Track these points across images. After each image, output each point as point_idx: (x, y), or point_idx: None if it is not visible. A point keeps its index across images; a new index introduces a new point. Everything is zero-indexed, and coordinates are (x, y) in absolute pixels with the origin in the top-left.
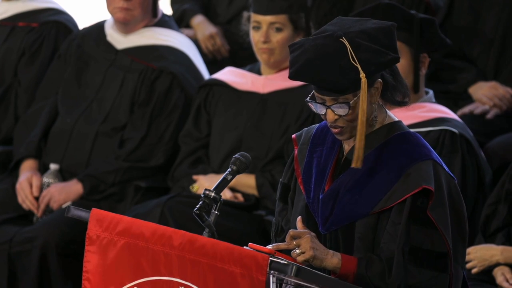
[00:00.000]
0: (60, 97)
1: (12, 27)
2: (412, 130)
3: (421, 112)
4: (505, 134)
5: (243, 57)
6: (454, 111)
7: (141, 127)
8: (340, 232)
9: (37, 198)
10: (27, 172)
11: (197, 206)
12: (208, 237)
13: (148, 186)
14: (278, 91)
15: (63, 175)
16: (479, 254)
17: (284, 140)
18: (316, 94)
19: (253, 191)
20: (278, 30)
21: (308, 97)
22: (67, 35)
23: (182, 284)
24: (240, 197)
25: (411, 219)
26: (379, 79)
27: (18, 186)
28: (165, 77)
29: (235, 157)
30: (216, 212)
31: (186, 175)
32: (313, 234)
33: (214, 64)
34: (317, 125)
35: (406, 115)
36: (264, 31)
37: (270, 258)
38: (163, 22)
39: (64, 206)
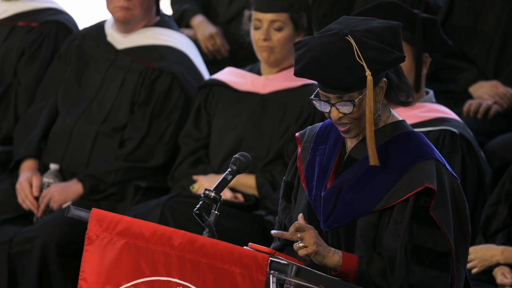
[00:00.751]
0: (60, 97)
1: (12, 26)
2: None
3: (421, 112)
4: (505, 134)
5: (243, 57)
6: (454, 111)
7: (141, 127)
8: (342, 229)
9: (37, 198)
10: (27, 172)
11: (197, 206)
12: (208, 237)
13: (148, 186)
14: (278, 91)
15: (63, 175)
16: (479, 254)
17: (284, 140)
18: (320, 92)
19: (253, 191)
20: (279, 28)
21: (313, 95)
22: (67, 35)
23: (180, 285)
24: (240, 197)
25: (413, 218)
26: (384, 79)
27: (18, 186)
28: (165, 77)
29: (235, 157)
30: (216, 212)
31: (186, 175)
32: (314, 229)
33: (214, 64)
34: (321, 123)
35: (407, 115)
36: (264, 29)
37: (270, 258)
38: (163, 22)
39: (64, 206)
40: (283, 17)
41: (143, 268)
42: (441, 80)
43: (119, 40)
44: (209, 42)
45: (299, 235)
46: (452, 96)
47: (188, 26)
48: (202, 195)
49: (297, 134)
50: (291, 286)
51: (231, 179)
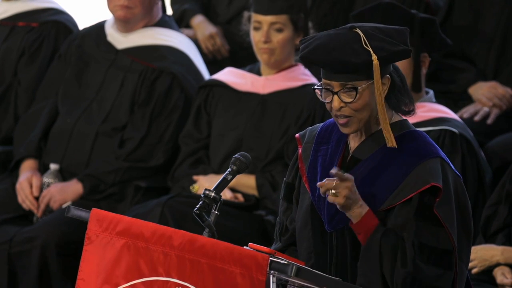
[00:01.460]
0: (60, 97)
1: (12, 27)
2: None
3: (421, 112)
4: (505, 134)
5: (243, 57)
6: (454, 111)
7: (141, 127)
8: (347, 229)
9: (37, 198)
10: (27, 172)
11: (197, 206)
12: (208, 237)
13: (148, 186)
14: (278, 91)
15: (63, 175)
16: (480, 254)
17: (284, 140)
18: (324, 81)
19: (253, 191)
20: (279, 30)
21: (316, 85)
22: (67, 35)
23: (179, 285)
24: (240, 197)
25: (417, 216)
26: (388, 75)
27: (18, 186)
28: (165, 77)
29: (235, 157)
30: (216, 212)
31: (186, 175)
32: (353, 180)
33: (214, 64)
34: (322, 124)
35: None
36: (264, 31)
37: (270, 258)
38: (163, 22)
39: (64, 206)
40: (283, 18)
41: (142, 268)
42: (441, 80)
43: (119, 40)
44: (209, 42)
45: (334, 183)
46: (452, 96)
47: (188, 26)
48: (202, 195)
49: (297, 135)
50: (294, 287)
51: (231, 179)
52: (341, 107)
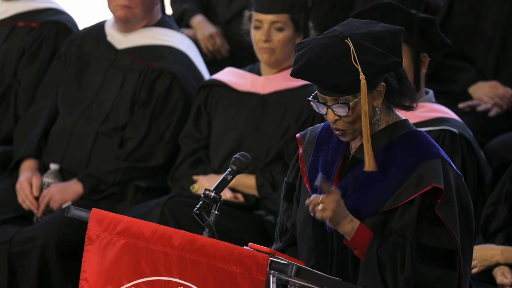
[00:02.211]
0: (60, 97)
1: (12, 27)
2: None
3: (421, 112)
4: (505, 134)
5: (243, 57)
6: (454, 111)
7: (141, 127)
8: None
9: (37, 198)
10: (27, 172)
11: (197, 206)
12: (208, 237)
13: (148, 186)
14: (278, 91)
15: (63, 175)
16: (479, 254)
17: (284, 140)
18: (318, 93)
19: (253, 191)
20: (279, 29)
21: (311, 96)
22: (67, 35)
23: (181, 284)
24: (240, 197)
25: (419, 217)
26: (382, 83)
27: (18, 186)
28: (165, 77)
29: (235, 157)
30: (216, 212)
31: (186, 175)
32: (339, 193)
33: (214, 64)
34: (322, 124)
35: (406, 115)
36: (265, 30)
37: (270, 258)
38: (163, 22)
39: (64, 206)
40: (284, 18)
41: (143, 268)
42: (441, 81)
43: (119, 40)
44: (209, 42)
45: (320, 199)
46: (452, 96)
47: (188, 26)
48: (202, 195)
49: (297, 135)
50: (295, 287)
51: (231, 179)
52: (336, 120)
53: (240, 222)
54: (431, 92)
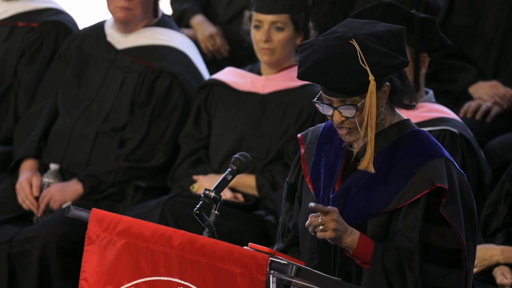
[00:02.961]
0: (60, 97)
1: (12, 27)
2: None
3: (421, 112)
4: (505, 134)
5: (243, 57)
6: (454, 111)
7: (141, 127)
8: None
9: (37, 198)
10: (27, 172)
11: (197, 206)
12: (208, 237)
13: (148, 186)
14: (278, 91)
15: (63, 175)
16: (479, 254)
17: (284, 140)
18: (323, 95)
19: (253, 191)
20: (279, 29)
21: (316, 98)
22: (67, 35)
23: (181, 285)
24: (240, 197)
25: (424, 217)
26: (387, 83)
27: (18, 186)
28: (165, 77)
29: (235, 157)
30: (216, 212)
31: (186, 175)
32: (337, 211)
33: (214, 64)
34: (324, 124)
35: (407, 115)
36: (265, 30)
37: (270, 258)
38: (163, 22)
39: (64, 206)
40: (284, 18)
41: (143, 268)
42: (441, 80)
43: (119, 40)
44: (209, 42)
45: (320, 219)
46: (452, 96)
47: (187, 26)
48: (202, 195)
49: (299, 135)
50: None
51: (231, 179)
52: (342, 121)
53: (240, 222)
54: (431, 92)
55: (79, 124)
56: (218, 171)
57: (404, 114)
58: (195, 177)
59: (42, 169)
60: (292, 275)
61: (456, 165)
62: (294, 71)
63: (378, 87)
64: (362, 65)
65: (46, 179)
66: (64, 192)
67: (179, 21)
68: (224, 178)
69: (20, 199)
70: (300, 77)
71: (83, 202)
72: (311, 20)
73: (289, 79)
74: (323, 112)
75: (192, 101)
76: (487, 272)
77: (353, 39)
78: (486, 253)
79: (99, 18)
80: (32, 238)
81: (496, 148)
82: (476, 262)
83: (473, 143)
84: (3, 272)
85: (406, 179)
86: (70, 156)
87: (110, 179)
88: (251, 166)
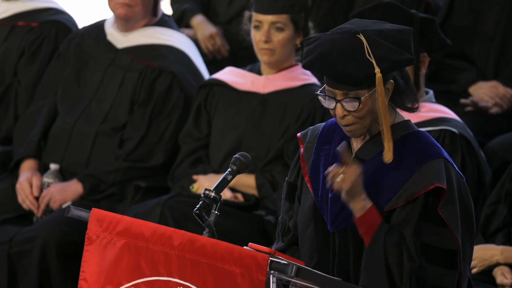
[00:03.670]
0: (59, 96)
1: (11, 26)
2: None
3: (421, 112)
4: (505, 134)
5: (243, 57)
6: (454, 111)
7: (141, 127)
8: (350, 230)
9: (37, 198)
10: (27, 172)
11: (197, 206)
12: (208, 237)
13: (148, 186)
14: (278, 91)
15: (63, 175)
16: (479, 254)
17: (284, 140)
18: (327, 87)
19: (253, 191)
20: (279, 29)
21: (319, 90)
22: (66, 34)
23: (180, 285)
24: (240, 197)
25: (421, 216)
26: (391, 80)
27: (18, 186)
28: (165, 76)
29: (235, 157)
30: (216, 212)
31: (186, 175)
32: (360, 168)
33: (214, 64)
34: (323, 123)
35: (407, 115)
36: (265, 30)
37: (270, 258)
38: (163, 21)
39: (64, 206)
40: (284, 18)
41: (143, 268)
42: (441, 81)
43: (119, 39)
44: (209, 42)
45: (341, 169)
46: (452, 96)
47: (188, 26)
48: (202, 195)
49: (298, 134)
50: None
51: (231, 179)
52: (345, 115)
53: (240, 222)
54: (431, 92)
55: (78, 124)
56: (218, 171)
57: (404, 114)
58: (195, 176)
59: (42, 169)
60: (292, 275)
61: (455, 166)
62: (294, 71)
63: (383, 82)
64: (369, 57)
65: (46, 179)
66: (64, 192)
67: (179, 21)
68: (224, 178)
69: (20, 199)
70: (306, 66)
71: (83, 202)
72: (311, 20)
73: (289, 79)
74: (325, 105)
75: (192, 100)
76: (487, 272)
77: (361, 34)
78: (486, 253)
79: (99, 17)
80: (32, 238)
81: (496, 148)
82: (476, 262)
83: (473, 143)
84: (3, 272)
85: (404, 179)
86: (70, 156)
87: (110, 179)
88: (251, 166)
